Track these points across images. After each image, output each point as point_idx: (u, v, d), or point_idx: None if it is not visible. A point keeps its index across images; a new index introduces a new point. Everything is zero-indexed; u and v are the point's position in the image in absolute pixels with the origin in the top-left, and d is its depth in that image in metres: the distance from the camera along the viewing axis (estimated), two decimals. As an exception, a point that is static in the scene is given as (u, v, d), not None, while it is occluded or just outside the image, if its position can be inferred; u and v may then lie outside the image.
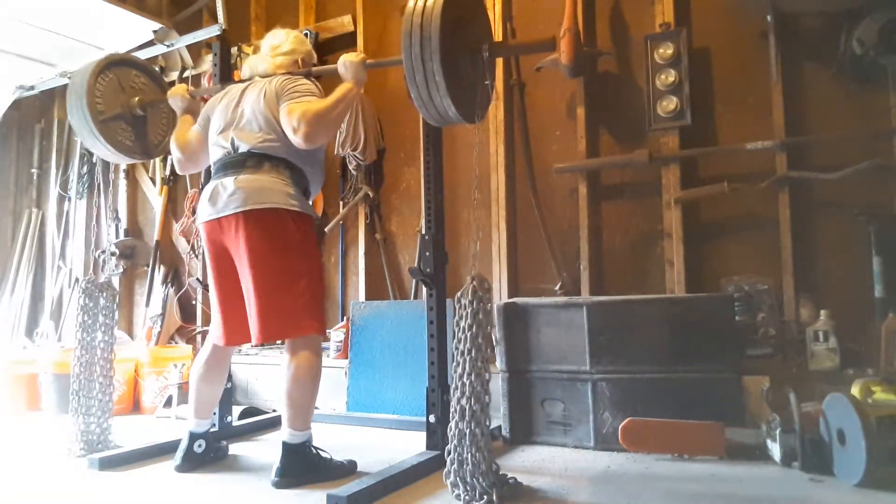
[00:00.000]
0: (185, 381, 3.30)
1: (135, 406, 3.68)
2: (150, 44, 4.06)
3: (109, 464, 2.38)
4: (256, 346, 3.40)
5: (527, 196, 3.33)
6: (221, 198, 2.14)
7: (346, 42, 3.85)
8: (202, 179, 2.87)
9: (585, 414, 2.49)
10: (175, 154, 2.39)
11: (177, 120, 2.50)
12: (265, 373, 3.60)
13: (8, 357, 3.94)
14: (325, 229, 3.70)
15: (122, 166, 4.59)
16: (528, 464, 2.31)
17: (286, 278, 2.12)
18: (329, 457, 2.20)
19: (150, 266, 4.33)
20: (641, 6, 3.13)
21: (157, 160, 4.40)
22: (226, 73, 2.80)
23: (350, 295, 3.80)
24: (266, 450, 2.59)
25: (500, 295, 3.25)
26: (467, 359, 1.87)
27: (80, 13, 3.69)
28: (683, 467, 2.19)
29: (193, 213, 3.20)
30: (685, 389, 2.40)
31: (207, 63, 4.11)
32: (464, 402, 1.85)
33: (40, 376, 3.69)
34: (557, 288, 3.17)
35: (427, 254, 2.31)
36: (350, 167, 3.73)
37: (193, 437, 2.33)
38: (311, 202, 2.30)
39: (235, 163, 2.16)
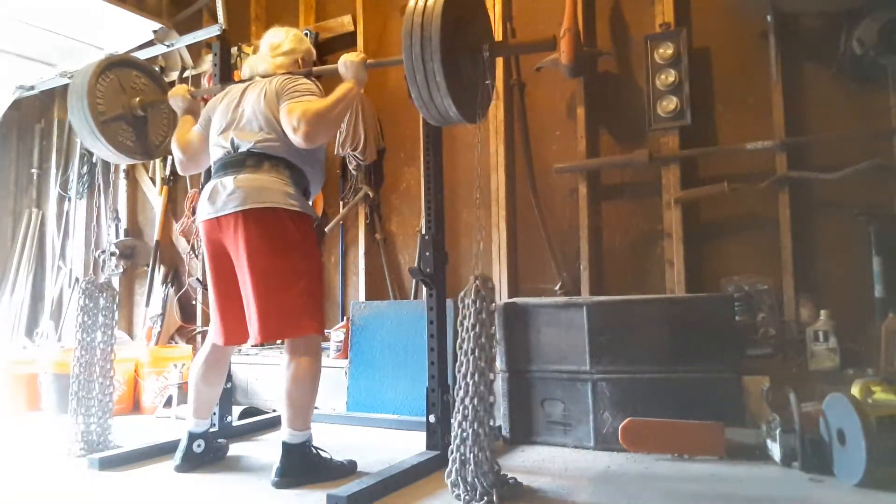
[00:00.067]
0: (185, 381, 3.30)
1: (135, 406, 3.68)
2: (150, 44, 4.06)
3: (109, 464, 2.38)
4: (256, 345, 3.41)
5: (527, 196, 3.33)
6: (221, 197, 2.14)
7: (346, 42, 3.85)
8: (202, 179, 2.87)
9: (585, 414, 2.49)
10: (176, 155, 2.40)
11: (177, 120, 2.50)
12: (265, 373, 3.60)
13: (8, 357, 3.94)
14: (325, 229, 3.70)
15: (122, 166, 4.59)
16: (528, 464, 2.31)
17: (285, 278, 2.12)
18: (329, 457, 2.20)
19: (150, 266, 4.33)
20: (641, 6, 3.13)
21: (157, 160, 4.40)
22: (226, 74, 2.80)
23: (350, 295, 3.80)
24: (266, 450, 2.59)
25: (500, 295, 3.25)
26: (471, 358, 1.87)
27: (80, 13, 3.69)
28: (683, 467, 2.19)
29: (193, 213, 3.20)
30: (685, 389, 2.40)
31: (207, 63, 4.11)
32: (467, 401, 1.85)
33: (40, 376, 3.69)
34: (557, 288, 3.17)
35: (427, 254, 2.31)
36: (350, 167, 3.73)
37: (192, 437, 2.33)
38: (311, 202, 2.31)
39: (235, 162, 2.16)
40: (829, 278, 2.74)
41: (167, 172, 4.43)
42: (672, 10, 3.01)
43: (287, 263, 2.12)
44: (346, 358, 3.38)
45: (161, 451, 2.52)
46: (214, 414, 2.66)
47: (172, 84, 2.98)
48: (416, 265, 2.34)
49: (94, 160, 4.72)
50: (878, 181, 2.64)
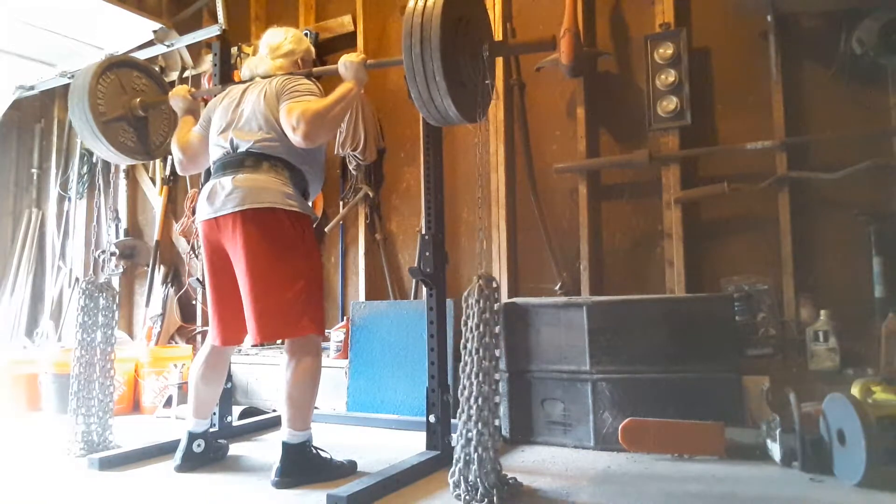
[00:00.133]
0: (185, 381, 3.30)
1: (135, 406, 3.68)
2: (150, 44, 4.06)
3: (109, 464, 2.38)
4: (255, 345, 3.41)
5: (527, 196, 3.33)
6: (219, 197, 2.14)
7: (346, 42, 3.85)
8: (202, 179, 2.88)
9: (585, 414, 2.49)
10: (176, 155, 2.40)
11: (178, 121, 2.50)
12: (265, 373, 3.60)
13: (8, 357, 3.93)
14: (325, 229, 3.71)
15: (122, 166, 4.59)
16: (529, 464, 2.31)
17: (283, 278, 2.11)
18: (329, 457, 2.20)
19: (150, 266, 4.33)
20: (641, 6, 3.13)
21: (158, 160, 4.40)
22: (226, 73, 2.80)
23: (350, 295, 3.80)
24: (266, 450, 2.59)
25: (500, 295, 3.24)
26: (475, 358, 1.87)
27: (80, 13, 3.69)
28: (683, 467, 2.19)
29: (193, 213, 3.20)
30: (685, 389, 2.40)
31: (207, 63, 4.11)
32: (472, 401, 1.86)
33: (40, 376, 3.69)
34: (557, 288, 3.17)
35: (427, 254, 2.31)
36: (350, 167, 3.72)
37: (192, 436, 2.33)
38: (310, 203, 2.30)
39: (234, 162, 2.16)
40: (829, 278, 2.74)
41: (167, 172, 4.43)
42: (672, 10, 3.01)
43: (285, 264, 2.12)
44: (346, 358, 3.38)
45: (161, 451, 2.52)
46: (214, 414, 2.66)
47: (173, 84, 2.98)
48: (416, 265, 2.33)
49: (94, 160, 4.72)
50: (878, 181, 2.64)
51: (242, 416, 3.14)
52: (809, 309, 2.69)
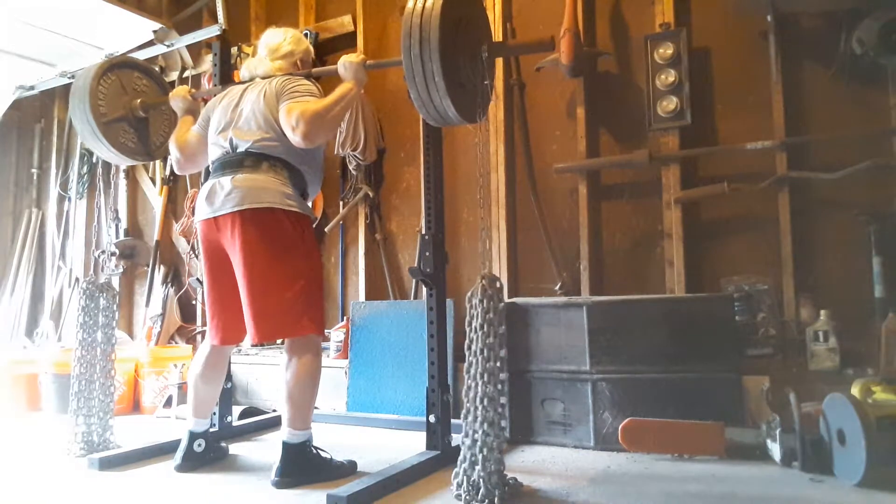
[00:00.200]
0: (185, 381, 3.30)
1: (135, 406, 3.68)
2: (150, 44, 4.06)
3: (109, 464, 2.38)
4: (255, 345, 3.41)
5: (527, 196, 3.33)
6: (218, 197, 2.14)
7: (346, 42, 3.85)
8: (202, 179, 2.88)
9: (585, 414, 2.49)
10: (173, 154, 2.40)
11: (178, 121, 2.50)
12: (265, 373, 3.60)
13: (8, 357, 3.94)
14: (325, 229, 3.71)
15: (123, 166, 4.59)
16: (529, 464, 2.31)
17: (282, 278, 2.11)
18: (329, 457, 2.20)
19: (150, 266, 4.33)
20: (641, 6, 3.13)
21: (158, 160, 4.39)
22: (226, 73, 2.81)
23: (350, 295, 3.80)
24: (266, 450, 2.59)
25: (500, 295, 3.24)
26: (479, 359, 1.87)
27: (80, 13, 3.69)
28: (683, 467, 2.19)
29: (193, 212, 3.20)
30: (685, 389, 2.40)
31: (207, 63, 4.11)
32: (476, 402, 1.85)
33: (40, 376, 3.69)
34: (557, 288, 3.17)
35: (427, 254, 2.31)
36: (350, 167, 3.72)
37: (193, 436, 2.33)
38: (310, 203, 2.30)
39: (233, 162, 2.16)
40: (829, 278, 2.74)
41: (167, 172, 4.43)
42: (672, 10, 3.01)
43: (284, 264, 2.12)
44: (346, 358, 3.38)
45: (161, 451, 2.52)
46: (214, 414, 2.66)
47: (173, 84, 2.98)
48: (416, 265, 2.34)
49: (94, 160, 4.73)
50: (878, 181, 2.63)
51: (242, 416, 3.14)
52: (809, 309, 2.69)
